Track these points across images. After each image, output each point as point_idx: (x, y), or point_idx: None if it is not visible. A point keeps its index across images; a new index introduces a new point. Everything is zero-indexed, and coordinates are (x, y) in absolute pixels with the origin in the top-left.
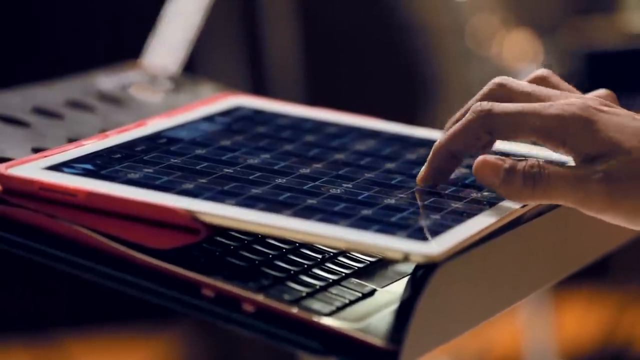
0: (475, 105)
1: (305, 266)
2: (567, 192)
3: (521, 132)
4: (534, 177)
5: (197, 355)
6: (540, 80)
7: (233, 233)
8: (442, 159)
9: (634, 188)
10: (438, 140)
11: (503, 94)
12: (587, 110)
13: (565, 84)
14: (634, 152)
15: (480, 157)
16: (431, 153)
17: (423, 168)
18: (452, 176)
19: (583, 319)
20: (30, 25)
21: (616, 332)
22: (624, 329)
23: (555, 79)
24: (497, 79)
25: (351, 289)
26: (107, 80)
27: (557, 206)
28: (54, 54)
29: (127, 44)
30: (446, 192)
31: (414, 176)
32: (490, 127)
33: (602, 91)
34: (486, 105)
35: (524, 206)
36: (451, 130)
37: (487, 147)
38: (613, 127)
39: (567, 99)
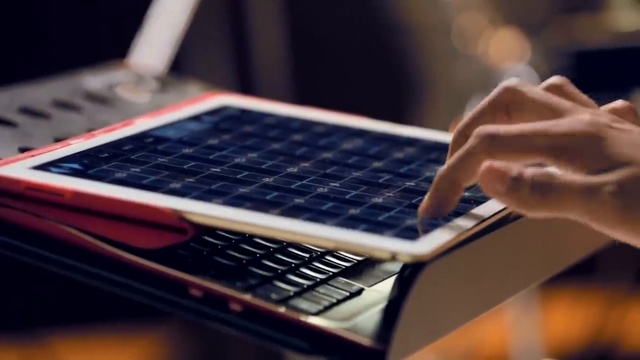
0: (479, 129)
1: (293, 265)
2: (578, 204)
3: (528, 154)
4: (543, 186)
5: (184, 354)
6: (555, 89)
7: (220, 232)
8: (445, 188)
9: None
10: (440, 170)
11: (513, 99)
12: (597, 126)
13: (581, 95)
14: None
15: (487, 163)
16: (434, 183)
17: (425, 198)
18: None
19: (570, 317)
20: (16, 25)
21: (603, 330)
22: (611, 327)
23: (571, 88)
24: (508, 83)
25: (339, 288)
26: (93, 80)
27: None
28: (41, 53)
29: (114, 44)
30: None
31: (402, 175)
32: (494, 152)
33: (619, 103)
34: (490, 129)
35: None
36: (453, 158)
37: None
38: (625, 143)
39: (577, 115)
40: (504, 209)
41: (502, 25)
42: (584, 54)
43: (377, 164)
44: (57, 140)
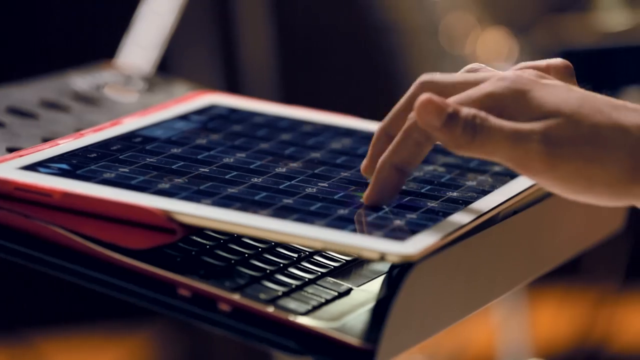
0: (411, 114)
1: (281, 265)
2: (506, 149)
3: None
4: (475, 127)
5: (171, 354)
6: (472, 72)
7: (209, 232)
8: (387, 174)
9: (572, 152)
10: (381, 157)
11: (432, 90)
12: (520, 82)
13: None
14: (573, 115)
15: (425, 95)
16: (375, 170)
17: (369, 187)
18: (428, 176)
19: (558, 317)
20: (2, 25)
21: (591, 330)
22: (598, 327)
23: (488, 69)
24: (422, 78)
25: (327, 288)
26: (81, 81)
27: (532, 204)
28: (28, 53)
29: (101, 44)
30: (422, 191)
31: None
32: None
33: (557, 61)
34: (427, 96)
35: (500, 205)
36: (392, 144)
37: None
38: (548, 95)
39: (500, 76)
40: (493, 209)
41: (490, 25)
42: (572, 54)
43: None
44: (45, 140)
